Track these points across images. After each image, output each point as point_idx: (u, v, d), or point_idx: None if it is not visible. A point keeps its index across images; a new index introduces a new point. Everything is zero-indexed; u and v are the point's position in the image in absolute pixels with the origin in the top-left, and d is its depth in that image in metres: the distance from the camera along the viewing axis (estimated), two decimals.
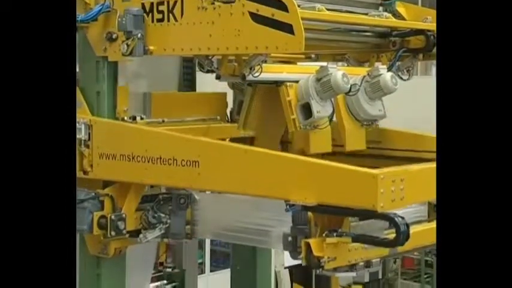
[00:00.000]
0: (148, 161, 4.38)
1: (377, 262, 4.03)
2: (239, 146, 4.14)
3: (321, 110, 4.44)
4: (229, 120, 5.77)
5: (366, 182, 3.65)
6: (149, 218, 4.61)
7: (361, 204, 3.66)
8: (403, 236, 3.57)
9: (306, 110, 4.45)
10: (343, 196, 3.72)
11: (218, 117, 5.70)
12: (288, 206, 3.90)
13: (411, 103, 15.03)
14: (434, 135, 5.54)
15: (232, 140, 5.09)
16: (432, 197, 4.03)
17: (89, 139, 4.59)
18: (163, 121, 5.27)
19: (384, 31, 5.04)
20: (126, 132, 4.55)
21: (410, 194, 3.79)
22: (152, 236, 4.59)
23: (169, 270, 4.88)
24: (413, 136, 5.30)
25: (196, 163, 4.21)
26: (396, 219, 3.59)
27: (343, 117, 4.69)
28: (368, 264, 3.98)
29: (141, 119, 4.84)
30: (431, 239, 3.99)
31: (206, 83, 5.67)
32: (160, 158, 4.35)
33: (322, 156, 4.49)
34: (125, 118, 4.75)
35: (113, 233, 4.47)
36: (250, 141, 5.04)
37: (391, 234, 3.72)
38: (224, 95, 5.80)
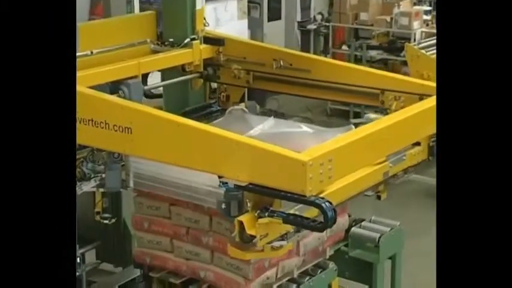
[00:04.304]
0: (80, 122, 4.38)
1: None
2: (173, 118, 4.16)
3: None
4: (160, 41, 5.71)
5: (295, 168, 3.75)
6: (84, 169, 4.68)
7: (290, 188, 3.78)
8: (330, 222, 3.73)
9: None
10: (274, 178, 3.83)
11: (148, 40, 5.64)
12: (221, 183, 4.03)
13: None
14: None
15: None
16: (359, 167, 4.22)
17: None
18: (91, 53, 5.23)
19: None
20: None
21: (338, 171, 3.92)
22: (88, 188, 4.69)
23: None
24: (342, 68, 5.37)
25: (129, 129, 4.23)
26: (323, 205, 3.73)
27: None
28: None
29: None
30: None
31: None
32: (92, 120, 4.36)
33: None
34: None
35: None
36: None
37: None
38: (153, 15, 5.70)
